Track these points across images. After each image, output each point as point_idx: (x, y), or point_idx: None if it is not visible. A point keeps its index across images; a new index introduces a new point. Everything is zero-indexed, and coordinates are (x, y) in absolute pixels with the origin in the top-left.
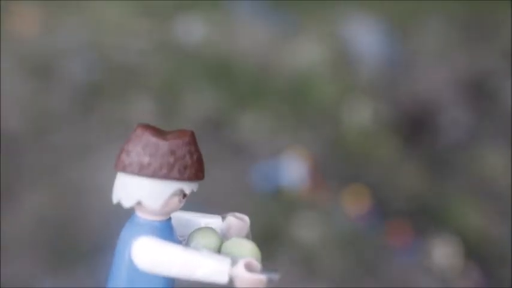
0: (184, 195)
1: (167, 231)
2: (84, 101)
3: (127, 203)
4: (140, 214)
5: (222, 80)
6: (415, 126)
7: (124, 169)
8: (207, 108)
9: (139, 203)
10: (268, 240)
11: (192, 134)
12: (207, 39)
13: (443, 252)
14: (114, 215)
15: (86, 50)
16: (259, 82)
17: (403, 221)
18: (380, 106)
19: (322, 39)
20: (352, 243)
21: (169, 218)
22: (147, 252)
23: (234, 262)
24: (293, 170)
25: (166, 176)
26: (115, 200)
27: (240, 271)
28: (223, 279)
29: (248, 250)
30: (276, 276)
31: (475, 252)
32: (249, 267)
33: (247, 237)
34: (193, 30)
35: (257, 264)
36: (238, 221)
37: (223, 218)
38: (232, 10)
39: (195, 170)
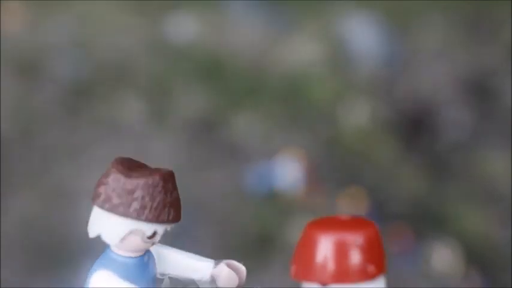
0: (152, 236)
1: (139, 268)
2: (72, 101)
3: (90, 234)
4: (113, 248)
5: (215, 79)
6: (414, 127)
7: (92, 199)
8: (199, 108)
9: (99, 236)
10: (263, 244)
11: (165, 175)
12: (199, 37)
13: (443, 257)
14: None
15: (74, 48)
16: (253, 81)
17: (401, 224)
18: (378, 106)
19: (318, 37)
20: None
21: (145, 254)
22: (99, 286)
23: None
24: (288, 172)
25: (123, 214)
26: (87, 229)
27: (222, 267)
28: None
29: None
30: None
31: (475, 256)
32: (231, 266)
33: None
34: (185, 28)
35: (240, 266)
36: (228, 272)
37: (216, 264)
38: (225, 7)
39: (157, 212)
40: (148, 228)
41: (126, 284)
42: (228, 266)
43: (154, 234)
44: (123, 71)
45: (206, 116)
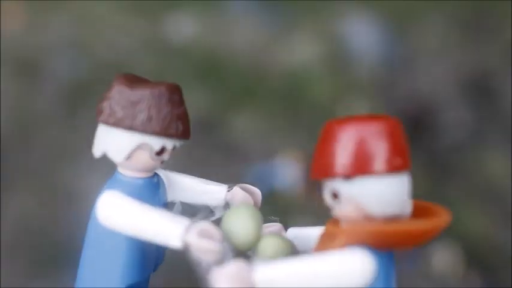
0: (160, 152)
1: (148, 189)
2: (70, 101)
3: (96, 153)
4: (121, 170)
5: (214, 79)
6: (413, 127)
7: (97, 117)
8: (197, 108)
9: (105, 154)
10: None
11: (171, 86)
12: (198, 37)
13: (443, 258)
14: None
15: (73, 48)
16: (252, 81)
17: None
18: (377, 106)
19: (317, 37)
20: None
21: (154, 176)
22: (106, 206)
23: (188, 227)
24: (287, 173)
25: (129, 127)
26: (93, 150)
27: (191, 238)
28: (176, 243)
29: (242, 220)
30: (229, 250)
31: (476, 257)
32: (202, 234)
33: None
34: (183, 27)
35: (214, 233)
36: (244, 195)
37: (230, 188)
38: (224, 7)
39: (165, 124)
40: (156, 142)
41: (134, 202)
42: (242, 189)
43: (163, 150)
44: (122, 71)
45: (205, 116)
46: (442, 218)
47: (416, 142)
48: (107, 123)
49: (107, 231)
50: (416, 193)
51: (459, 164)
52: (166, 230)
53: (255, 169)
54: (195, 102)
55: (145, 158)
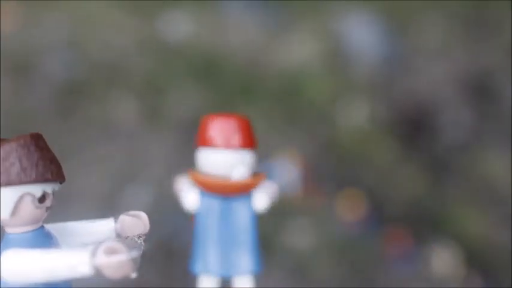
0: (42, 199)
1: (41, 239)
2: (64, 101)
3: None
4: (8, 229)
5: (210, 79)
6: (413, 127)
7: None
8: (193, 108)
9: None
10: (259, 247)
11: (31, 136)
12: (194, 36)
13: (443, 260)
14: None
15: (67, 47)
16: (249, 81)
17: (401, 227)
18: (377, 106)
19: (316, 36)
20: (347, 251)
21: (42, 227)
22: (9, 264)
23: (94, 251)
24: (285, 174)
25: (6, 182)
26: None
27: (100, 258)
28: (87, 270)
29: None
30: (136, 252)
31: (476, 259)
32: (109, 251)
33: (143, 233)
34: (179, 26)
35: (118, 246)
36: (131, 219)
37: (116, 219)
38: (221, 5)
39: (38, 171)
40: (36, 190)
41: (33, 251)
42: (127, 215)
43: (44, 196)
44: (117, 71)
45: (201, 116)
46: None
47: (415, 143)
48: None
49: None
50: (416, 193)
51: (459, 164)
52: (73, 261)
53: None
54: (191, 101)
55: (30, 208)
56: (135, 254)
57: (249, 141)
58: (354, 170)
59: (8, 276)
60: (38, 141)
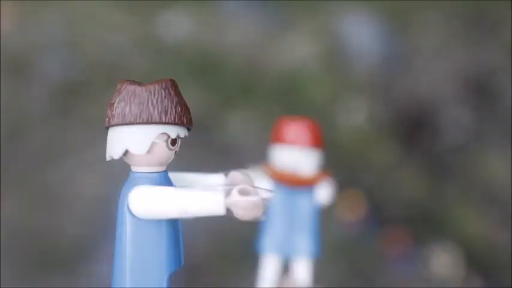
0: (174, 142)
1: (165, 182)
2: (61, 100)
3: (116, 154)
4: (136, 169)
5: (209, 78)
6: (413, 128)
7: (109, 123)
8: (192, 108)
9: (127, 152)
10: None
11: (171, 81)
12: (192, 35)
13: (443, 261)
14: (93, 222)
15: (64, 47)
16: (248, 81)
17: (400, 228)
18: (376, 106)
19: (315, 35)
20: (347, 252)
21: (166, 171)
22: (141, 199)
23: (227, 193)
24: None
25: (147, 121)
26: (108, 157)
27: (235, 198)
28: (220, 209)
29: None
30: (269, 194)
31: (475, 260)
32: (243, 192)
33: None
34: (177, 25)
35: (250, 189)
36: (241, 174)
37: (226, 174)
38: (220, 4)
39: (176, 113)
40: (172, 131)
41: (164, 187)
42: (238, 172)
43: (176, 139)
44: (115, 70)
45: (199, 116)
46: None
47: (415, 143)
48: (123, 123)
49: (147, 224)
50: (416, 193)
51: (459, 165)
52: (206, 200)
53: (251, 170)
54: (190, 101)
55: (163, 149)
56: (266, 196)
57: (318, 142)
58: (353, 171)
59: (141, 210)
60: (176, 87)
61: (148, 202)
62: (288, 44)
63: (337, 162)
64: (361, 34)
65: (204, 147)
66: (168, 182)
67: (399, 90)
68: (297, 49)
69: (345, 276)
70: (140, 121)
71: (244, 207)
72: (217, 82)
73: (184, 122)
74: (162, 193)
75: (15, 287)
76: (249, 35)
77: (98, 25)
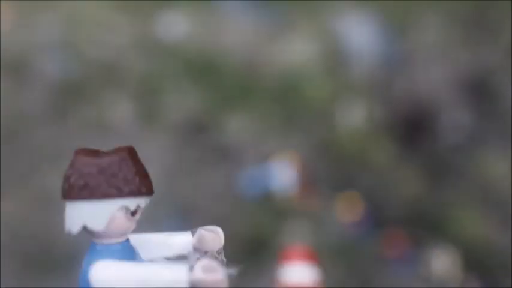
0: (134, 213)
1: (128, 252)
2: (59, 101)
3: (74, 229)
4: (97, 240)
5: (207, 79)
6: (412, 128)
7: (66, 196)
8: (190, 109)
9: (85, 227)
10: (256, 249)
11: (129, 150)
12: (190, 36)
13: (442, 262)
14: None
15: (62, 47)
16: (247, 82)
17: (399, 229)
18: (375, 107)
19: (314, 36)
20: (345, 253)
21: (128, 240)
22: (102, 275)
23: (191, 268)
24: (283, 175)
25: (104, 196)
26: (66, 229)
27: (199, 276)
28: (183, 285)
29: None
30: (234, 272)
31: (475, 261)
32: (207, 269)
33: (220, 249)
34: (176, 26)
35: (215, 265)
36: (210, 234)
37: (193, 233)
38: (218, 5)
39: (135, 185)
40: (132, 203)
41: (125, 263)
42: (206, 230)
43: (136, 210)
44: (113, 71)
45: (197, 117)
46: None
47: (414, 144)
48: (80, 198)
49: None
50: (415, 194)
51: (458, 166)
52: (169, 276)
53: (249, 171)
54: (188, 102)
55: (122, 221)
56: (230, 273)
57: (314, 262)
58: (352, 172)
59: (102, 285)
60: (134, 155)
61: (109, 280)
62: (287, 45)
63: (337, 164)
64: (361, 35)
65: (201, 148)
66: (131, 252)
67: (398, 91)
68: (296, 49)
69: (343, 278)
70: (97, 197)
71: (207, 284)
72: (216, 82)
73: (144, 191)
74: (125, 270)
75: (15, 287)
76: (248, 36)
77: (97, 26)
